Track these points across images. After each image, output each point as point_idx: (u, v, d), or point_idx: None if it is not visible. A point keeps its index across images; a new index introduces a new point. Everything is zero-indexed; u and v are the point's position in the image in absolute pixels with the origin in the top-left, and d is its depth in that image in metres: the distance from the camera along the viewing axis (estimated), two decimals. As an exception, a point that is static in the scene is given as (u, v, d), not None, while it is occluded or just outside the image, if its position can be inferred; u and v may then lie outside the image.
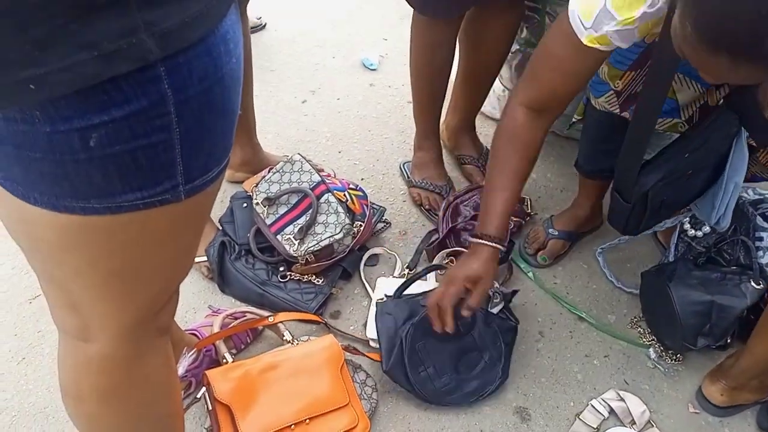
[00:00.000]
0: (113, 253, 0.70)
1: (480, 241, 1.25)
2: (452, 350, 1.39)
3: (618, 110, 1.34)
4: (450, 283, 1.27)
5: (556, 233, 1.68)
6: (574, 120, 1.63)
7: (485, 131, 2.05)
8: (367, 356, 1.41)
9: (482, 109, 1.98)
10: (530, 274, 1.66)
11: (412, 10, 1.56)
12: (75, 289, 0.75)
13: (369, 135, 2.07)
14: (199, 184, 0.69)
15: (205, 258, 1.58)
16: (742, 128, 1.20)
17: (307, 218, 1.53)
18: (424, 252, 1.68)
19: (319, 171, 1.67)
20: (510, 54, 1.78)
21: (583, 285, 1.65)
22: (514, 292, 1.49)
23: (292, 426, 1.23)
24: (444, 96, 1.76)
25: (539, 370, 1.47)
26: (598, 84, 1.34)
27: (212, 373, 1.24)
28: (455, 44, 1.65)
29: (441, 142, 1.86)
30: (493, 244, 1.24)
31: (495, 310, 1.44)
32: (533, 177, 1.94)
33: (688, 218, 1.54)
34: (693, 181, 1.31)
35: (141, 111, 0.59)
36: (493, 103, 2.08)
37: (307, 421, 1.24)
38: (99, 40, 0.54)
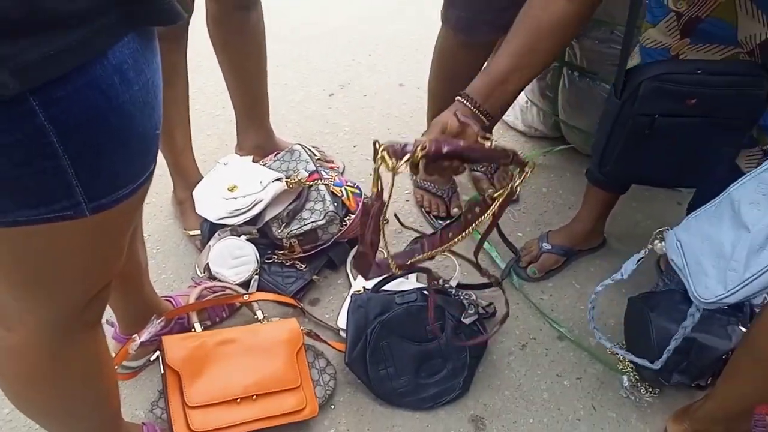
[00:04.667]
0: (22, 262, 0.71)
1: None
2: (415, 353, 1.39)
3: (678, 36, 1.20)
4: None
5: (550, 248, 1.64)
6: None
7: (504, 140, 2.03)
8: (330, 345, 1.42)
9: (504, 117, 1.95)
10: (515, 282, 1.63)
11: None
12: None
13: (387, 133, 2.08)
14: (107, 202, 0.68)
15: (199, 232, 1.64)
16: None
17: (296, 203, 1.56)
18: (414, 252, 1.67)
19: (322, 161, 1.70)
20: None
21: (571, 305, 1.60)
22: (494, 310, 1.49)
23: (239, 400, 1.26)
24: None
25: (505, 382, 1.44)
26: (657, 8, 1.20)
27: (168, 339, 1.28)
28: (482, 64, 1.54)
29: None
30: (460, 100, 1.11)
31: (467, 321, 1.42)
32: (543, 191, 1.91)
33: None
34: (691, 132, 1.20)
35: (16, 143, 0.58)
36: (516, 113, 2.05)
37: (254, 397, 1.26)
38: None
